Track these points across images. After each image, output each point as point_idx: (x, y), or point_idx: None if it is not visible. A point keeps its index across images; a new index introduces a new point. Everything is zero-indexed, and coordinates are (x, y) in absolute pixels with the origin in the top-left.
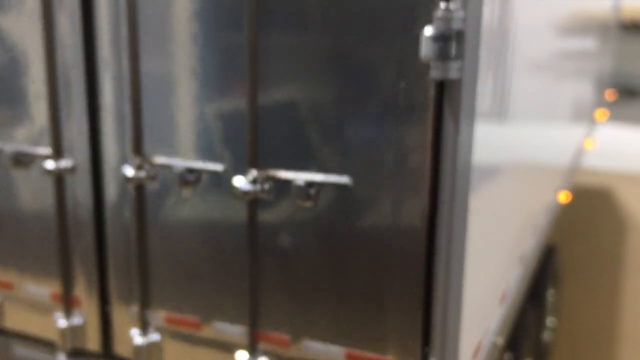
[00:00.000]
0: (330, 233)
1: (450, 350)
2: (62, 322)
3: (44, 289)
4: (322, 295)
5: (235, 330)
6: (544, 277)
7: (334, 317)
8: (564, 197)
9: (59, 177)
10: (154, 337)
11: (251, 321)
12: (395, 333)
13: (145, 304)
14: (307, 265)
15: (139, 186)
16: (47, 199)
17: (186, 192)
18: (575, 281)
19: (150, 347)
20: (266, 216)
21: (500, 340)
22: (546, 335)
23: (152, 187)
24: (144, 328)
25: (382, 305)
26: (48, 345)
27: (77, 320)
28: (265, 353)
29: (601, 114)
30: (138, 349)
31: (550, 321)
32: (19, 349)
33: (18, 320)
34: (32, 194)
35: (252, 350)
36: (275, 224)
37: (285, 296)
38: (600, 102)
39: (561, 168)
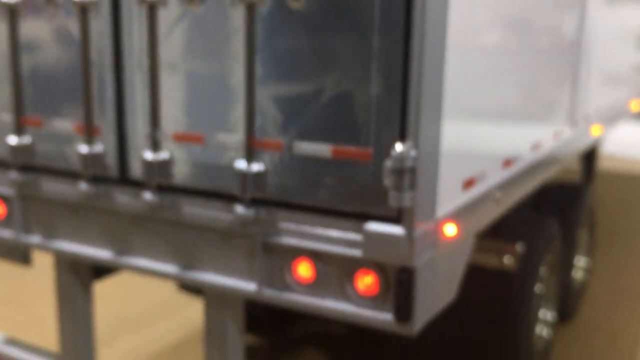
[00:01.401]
0: None
1: (425, 140)
2: (83, 149)
3: (68, 122)
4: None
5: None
6: (575, 215)
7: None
8: (596, 130)
9: (83, 9)
10: (164, 154)
11: (248, 130)
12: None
13: (155, 124)
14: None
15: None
16: (71, 38)
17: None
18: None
19: (161, 162)
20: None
21: (500, 196)
22: (579, 275)
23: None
24: (155, 146)
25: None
26: (73, 176)
27: (97, 147)
28: (262, 159)
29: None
30: (149, 165)
31: (583, 261)
32: (48, 184)
33: (45, 157)
34: (57, 34)
35: (249, 157)
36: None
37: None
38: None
39: (599, 103)
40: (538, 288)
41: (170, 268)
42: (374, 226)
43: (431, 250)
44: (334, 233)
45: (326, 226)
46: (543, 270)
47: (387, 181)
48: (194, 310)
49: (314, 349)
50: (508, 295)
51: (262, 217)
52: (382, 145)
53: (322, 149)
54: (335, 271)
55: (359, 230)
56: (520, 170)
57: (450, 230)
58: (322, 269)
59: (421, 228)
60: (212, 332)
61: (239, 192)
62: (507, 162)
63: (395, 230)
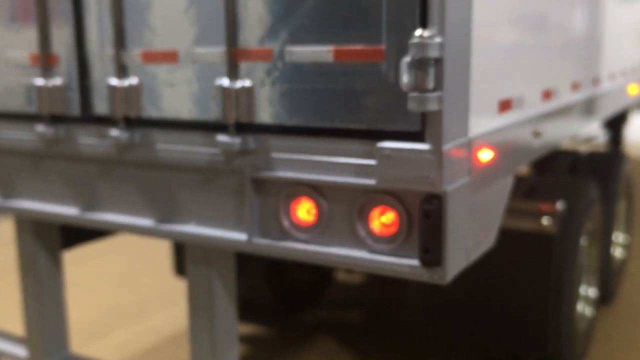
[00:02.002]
0: None
1: (453, 26)
2: (39, 82)
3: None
4: None
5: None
6: (613, 182)
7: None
8: (633, 89)
9: None
10: (131, 80)
11: (229, 38)
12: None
13: (120, 42)
14: None
15: None
16: None
17: None
18: None
19: (128, 90)
20: None
21: (540, 130)
22: (618, 252)
23: None
24: (121, 70)
25: None
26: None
27: (57, 80)
28: (248, 74)
29: None
30: (115, 93)
31: (622, 238)
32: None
33: None
34: None
35: (232, 72)
36: None
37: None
38: None
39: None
40: (580, 257)
41: (145, 222)
42: (390, 145)
43: (464, 177)
44: (340, 160)
45: (329, 152)
46: (584, 239)
47: (406, 80)
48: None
49: (326, 337)
50: (548, 263)
51: (250, 147)
52: (397, 39)
53: (320, 52)
54: (343, 208)
55: (371, 153)
56: (560, 106)
57: (486, 155)
58: (326, 207)
59: (451, 144)
60: (197, 295)
61: (221, 117)
62: (547, 94)
63: (419, 146)
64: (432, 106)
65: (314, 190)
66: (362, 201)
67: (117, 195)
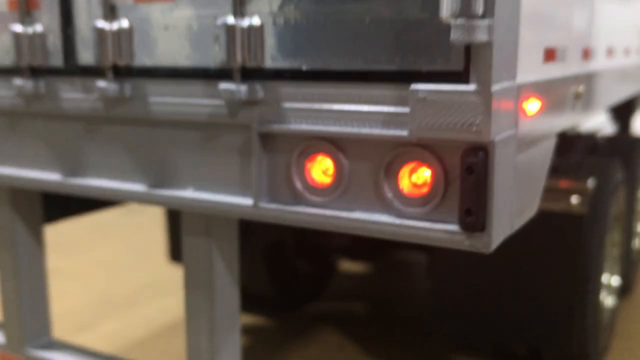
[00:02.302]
0: None
1: None
2: (18, 28)
3: None
4: None
5: None
6: (636, 167)
7: None
8: None
9: None
10: (121, 22)
11: None
12: None
13: None
14: None
15: None
16: None
17: None
18: None
19: (117, 34)
20: None
21: (582, 90)
22: (637, 242)
23: None
24: (109, 11)
25: None
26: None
27: (38, 27)
28: (256, 10)
29: None
30: (103, 37)
31: None
32: None
33: None
34: None
35: (238, 8)
36: None
37: None
38: None
39: None
40: (608, 241)
41: (136, 187)
42: (427, 87)
43: (511, 129)
44: (364, 108)
45: (352, 99)
46: (611, 222)
47: (448, 4)
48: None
49: (329, 330)
50: (575, 247)
51: (258, 96)
52: None
53: None
54: (367, 166)
55: (403, 98)
56: (596, 69)
57: (533, 107)
58: (347, 165)
59: (499, 87)
60: (194, 272)
61: (225, 62)
62: (586, 53)
63: (462, 88)
64: (481, 36)
65: (333, 146)
66: (390, 157)
67: (105, 158)
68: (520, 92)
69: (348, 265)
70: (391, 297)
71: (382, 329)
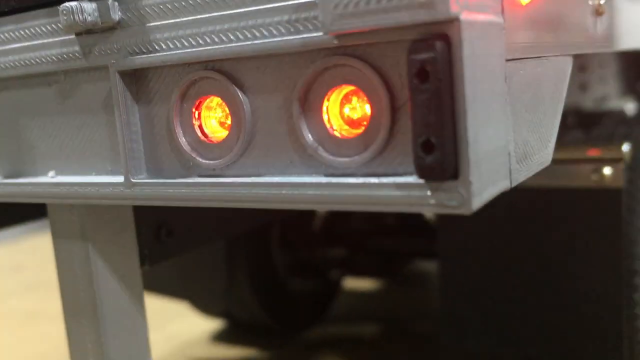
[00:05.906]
0: None
1: None
2: None
3: None
4: None
5: None
6: None
7: None
8: None
9: None
10: None
11: None
12: None
13: None
14: None
15: None
16: None
17: None
18: None
19: None
20: None
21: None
22: None
23: None
24: None
25: None
26: None
27: None
28: None
29: None
30: None
31: None
32: None
33: None
34: None
35: None
36: None
37: None
38: None
39: None
40: None
41: None
42: None
43: (492, 11)
44: (264, 6)
45: (246, 2)
46: None
47: None
48: (181, 324)
49: (331, 355)
50: (615, 231)
51: (114, 19)
52: None
53: None
54: (275, 100)
55: None
56: None
57: None
58: (246, 103)
59: None
60: (69, 286)
61: None
62: None
63: None
64: None
65: (224, 76)
66: (305, 78)
67: None
68: None
69: (354, 283)
70: (406, 315)
71: (397, 352)
